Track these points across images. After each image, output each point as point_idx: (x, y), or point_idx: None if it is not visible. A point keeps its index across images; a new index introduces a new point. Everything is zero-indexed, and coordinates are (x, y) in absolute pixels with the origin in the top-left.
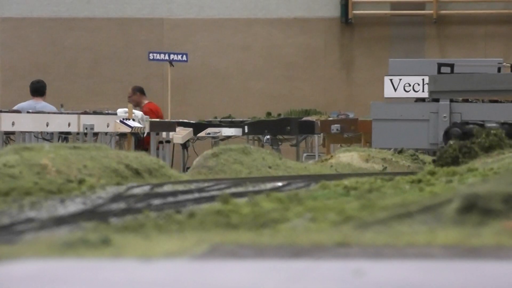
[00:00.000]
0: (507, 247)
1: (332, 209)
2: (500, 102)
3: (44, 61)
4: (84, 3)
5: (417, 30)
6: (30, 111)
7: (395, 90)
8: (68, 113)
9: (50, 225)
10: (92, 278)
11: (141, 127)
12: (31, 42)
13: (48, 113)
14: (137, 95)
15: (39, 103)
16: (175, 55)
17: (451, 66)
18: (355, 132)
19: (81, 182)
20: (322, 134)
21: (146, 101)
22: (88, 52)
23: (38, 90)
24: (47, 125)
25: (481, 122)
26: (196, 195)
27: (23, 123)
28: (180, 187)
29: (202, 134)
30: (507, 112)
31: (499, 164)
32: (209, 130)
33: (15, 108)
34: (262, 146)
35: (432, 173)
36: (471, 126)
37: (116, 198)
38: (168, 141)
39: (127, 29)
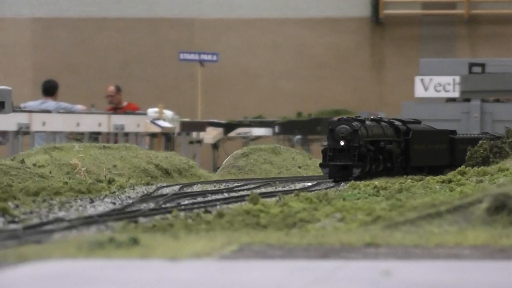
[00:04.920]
0: None
1: (362, 209)
2: None
3: (74, 61)
4: (114, 3)
5: (448, 29)
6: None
7: (426, 90)
8: (98, 113)
9: (79, 225)
10: (120, 278)
11: (171, 127)
12: (61, 42)
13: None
14: (119, 94)
15: (46, 103)
16: (206, 55)
17: (482, 66)
18: None
19: (110, 182)
20: None
21: (124, 102)
22: (118, 52)
23: (47, 90)
24: (77, 125)
25: (363, 119)
26: (226, 195)
27: (54, 123)
28: (210, 187)
29: (232, 134)
30: None
31: None
32: (240, 130)
33: (24, 105)
34: (293, 146)
35: (462, 173)
36: (356, 123)
37: (145, 198)
38: (198, 141)
39: (157, 29)
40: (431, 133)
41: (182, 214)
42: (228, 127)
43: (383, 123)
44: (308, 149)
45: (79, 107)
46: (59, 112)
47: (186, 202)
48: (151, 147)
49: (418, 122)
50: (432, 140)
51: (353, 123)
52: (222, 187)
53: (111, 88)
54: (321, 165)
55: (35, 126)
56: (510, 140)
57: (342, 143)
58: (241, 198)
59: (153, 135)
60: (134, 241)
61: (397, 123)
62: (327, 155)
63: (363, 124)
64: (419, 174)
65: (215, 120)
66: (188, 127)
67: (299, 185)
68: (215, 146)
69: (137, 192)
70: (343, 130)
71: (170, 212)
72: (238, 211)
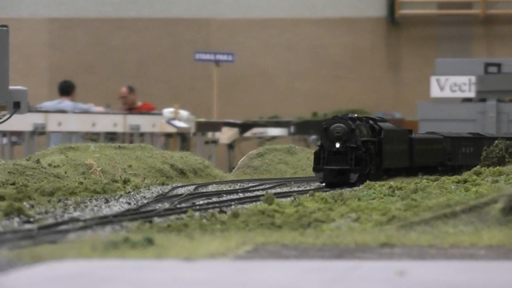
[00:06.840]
0: None
1: (377, 209)
2: None
3: (91, 61)
4: (131, 3)
5: (464, 29)
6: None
7: (442, 90)
8: (114, 113)
9: (94, 225)
10: (135, 278)
11: (187, 127)
12: (78, 42)
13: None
14: (132, 95)
15: (62, 103)
16: (221, 55)
17: (498, 65)
18: None
19: (125, 182)
20: None
21: (139, 102)
22: (135, 52)
23: (64, 90)
24: (93, 125)
25: (354, 117)
26: (241, 195)
27: (70, 123)
28: (225, 187)
29: (248, 134)
30: None
31: None
32: (255, 130)
33: (41, 105)
34: (308, 146)
35: (478, 173)
36: (351, 122)
37: (160, 198)
38: (214, 141)
39: (174, 29)
40: (396, 132)
41: (197, 214)
42: (244, 127)
43: (363, 122)
44: None
45: (96, 108)
46: (74, 112)
47: (201, 202)
48: (166, 147)
49: (385, 120)
50: (398, 140)
51: (349, 121)
52: (237, 187)
53: (123, 90)
54: (314, 169)
55: (51, 126)
56: None
57: (337, 145)
58: (256, 198)
59: (168, 135)
60: (149, 241)
61: (370, 122)
62: (320, 157)
63: (356, 123)
64: (386, 177)
65: (231, 120)
66: (203, 127)
67: (314, 185)
68: (230, 146)
69: (152, 192)
70: (339, 129)
71: (185, 212)
72: (253, 211)
